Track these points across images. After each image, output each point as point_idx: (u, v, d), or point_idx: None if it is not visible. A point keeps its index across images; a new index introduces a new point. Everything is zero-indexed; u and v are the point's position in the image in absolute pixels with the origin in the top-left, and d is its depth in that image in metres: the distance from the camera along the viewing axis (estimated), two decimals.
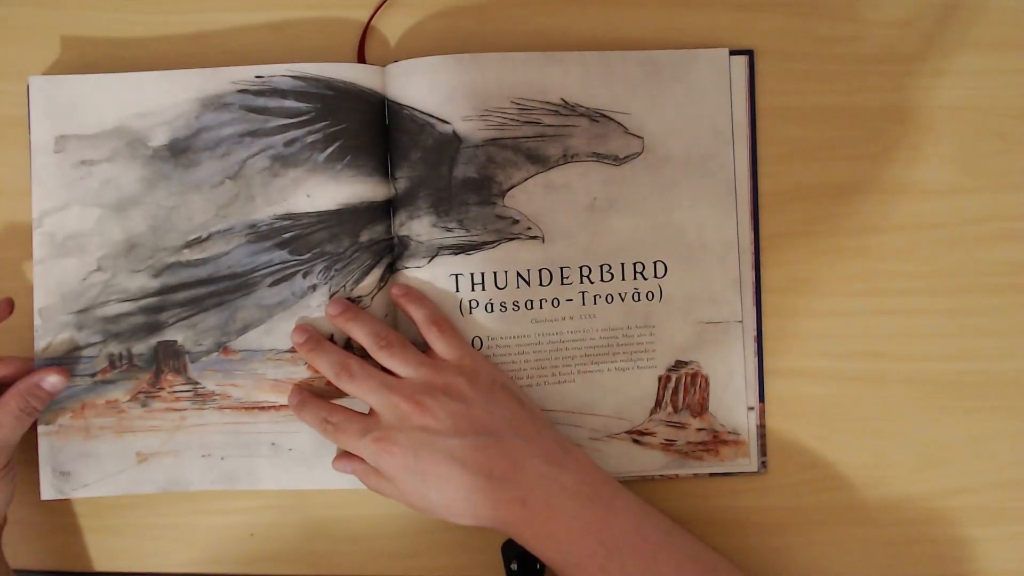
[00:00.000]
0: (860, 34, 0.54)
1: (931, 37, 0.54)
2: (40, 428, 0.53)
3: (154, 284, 0.53)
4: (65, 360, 0.53)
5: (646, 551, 0.47)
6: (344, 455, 0.52)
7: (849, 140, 0.54)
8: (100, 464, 0.53)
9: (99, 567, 0.56)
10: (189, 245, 0.53)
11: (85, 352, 0.53)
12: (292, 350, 0.53)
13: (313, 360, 0.52)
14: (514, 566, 0.54)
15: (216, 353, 0.53)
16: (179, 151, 0.53)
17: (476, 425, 0.48)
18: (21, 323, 0.53)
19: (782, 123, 0.54)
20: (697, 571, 0.47)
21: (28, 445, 0.53)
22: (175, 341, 0.53)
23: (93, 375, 0.53)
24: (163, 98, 0.53)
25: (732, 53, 0.54)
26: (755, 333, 0.54)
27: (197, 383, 0.53)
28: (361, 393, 0.50)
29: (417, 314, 0.52)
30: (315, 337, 0.52)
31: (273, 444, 0.53)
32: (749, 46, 0.54)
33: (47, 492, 0.53)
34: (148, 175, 0.53)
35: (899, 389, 0.54)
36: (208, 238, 0.53)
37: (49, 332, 0.53)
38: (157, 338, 0.53)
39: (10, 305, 0.52)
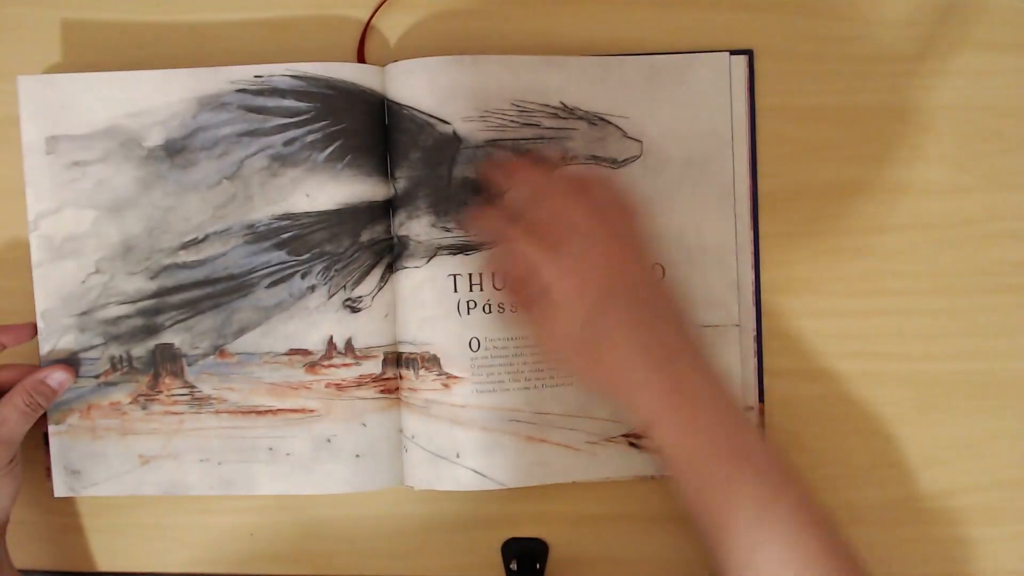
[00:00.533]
0: (860, 34, 0.54)
1: (931, 37, 0.54)
2: (51, 427, 0.53)
3: (151, 286, 0.53)
4: (69, 362, 0.53)
5: (770, 477, 0.45)
6: (501, 167, 0.51)
7: (849, 140, 0.54)
8: (107, 464, 0.54)
9: (99, 567, 0.56)
10: (185, 246, 0.53)
11: (88, 354, 0.53)
12: (289, 352, 0.53)
13: (475, 225, 0.51)
14: (514, 566, 0.54)
15: (213, 356, 0.53)
16: (175, 151, 0.53)
17: (639, 302, 0.47)
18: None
19: (782, 123, 0.54)
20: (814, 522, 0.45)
21: (29, 445, 0.53)
22: (172, 344, 0.53)
23: (97, 377, 0.54)
24: (158, 98, 0.53)
25: (732, 53, 0.53)
26: (755, 333, 0.54)
27: (194, 387, 0.53)
28: (526, 263, 0.48)
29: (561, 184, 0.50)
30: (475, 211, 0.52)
31: (270, 449, 0.53)
32: (749, 46, 0.54)
33: (60, 490, 0.54)
34: (143, 176, 0.53)
35: (899, 389, 0.54)
36: (205, 239, 0.53)
37: (53, 335, 0.53)
38: (155, 341, 0.53)
39: (32, 329, 0.53)
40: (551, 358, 0.52)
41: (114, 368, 0.54)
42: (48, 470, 0.54)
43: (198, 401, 0.53)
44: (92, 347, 0.53)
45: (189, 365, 0.53)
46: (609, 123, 0.53)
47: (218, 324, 0.53)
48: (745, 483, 0.44)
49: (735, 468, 0.45)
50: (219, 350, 0.53)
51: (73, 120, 0.53)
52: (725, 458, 0.45)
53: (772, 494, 0.45)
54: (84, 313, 0.53)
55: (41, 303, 0.53)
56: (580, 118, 0.53)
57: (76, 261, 0.53)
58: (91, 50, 0.55)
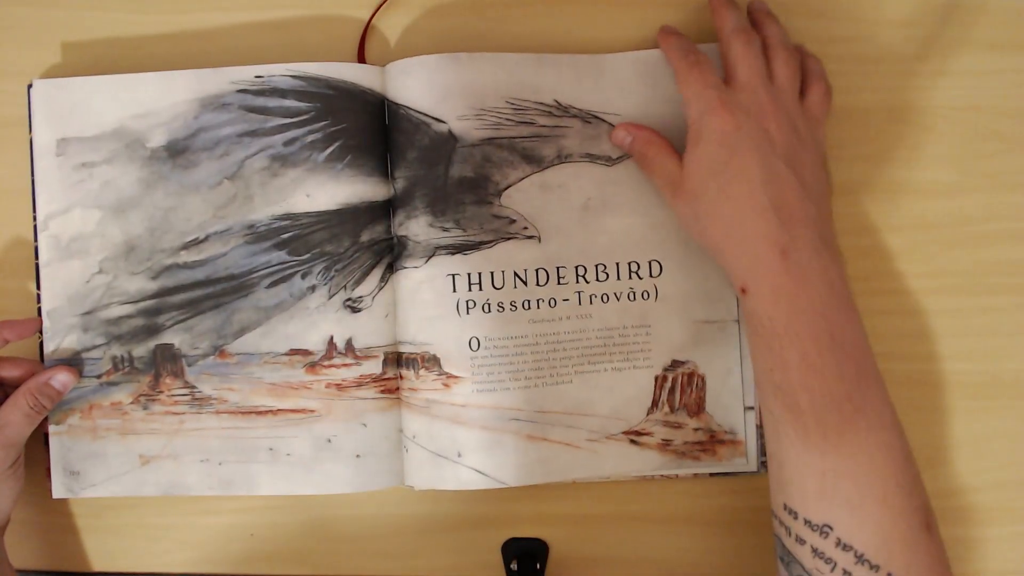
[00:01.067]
0: (860, 34, 0.54)
1: (931, 37, 0.54)
2: (51, 428, 0.54)
3: (152, 286, 0.53)
4: (73, 361, 0.53)
5: (863, 367, 0.45)
6: (630, 125, 0.52)
7: (849, 140, 0.54)
8: (106, 464, 0.54)
9: (99, 567, 0.56)
10: (186, 247, 0.53)
11: (91, 354, 0.53)
12: (289, 353, 0.53)
13: (663, 41, 0.52)
14: (514, 566, 0.54)
15: (213, 356, 0.53)
16: (177, 152, 0.53)
17: (801, 167, 0.47)
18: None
19: None
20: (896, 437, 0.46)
21: (29, 445, 0.53)
22: (172, 344, 0.53)
23: (99, 376, 0.54)
24: (162, 99, 0.53)
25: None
26: (746, 331, 0.54)
27: (194, 387, 0.53)
28: (740, 56, 0.49)
29: (771, 29, 0.51)
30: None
31: (271, 449, 0.53)
32: None
33: (58, 491, 0.54)
34: (146, 176, 0.53)
35: (899, 389, 0.54)
36: (206, 239, 0.53)
37: (58, 334, 0.53)
38: (155, 341, 0.54)
39: (36, 324, 0.53)
40: (676, 186, 0.49)
41: (116, 368, 0.54)
42: (48, 470, 0.54)
43: (198, 401, 0.53)
44: (95, 347, 0.54)
45: (189, 365, 0.53)
46: (603, 121, 0.53)
47: (218, 324, 0.53)
48: (836, 377, 0.44)
49: (829, 357, 0.44)
50: (219, 350, 0.53)
51: (83, 122, 0.53)
52: (817, 339, 0.44)
53: (861, 395, 0.45)
54: (87, 313, 0.53)
55: (48, 302, 0.53)
56: (574, 116, 0.53)
57: (81, 261, 0.53)
58: (92, 51, 0.55)
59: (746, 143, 0.46)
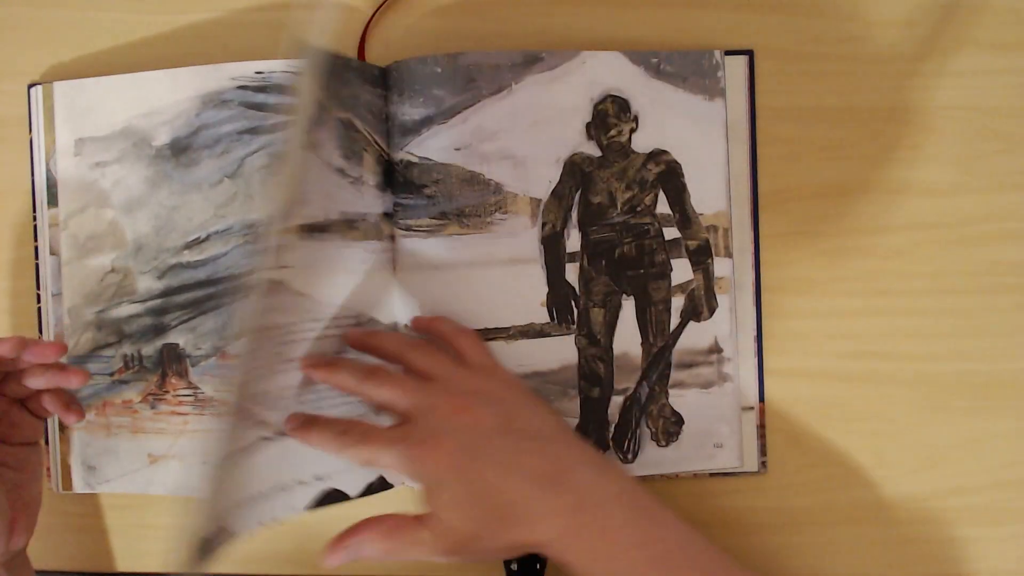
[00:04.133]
0: (860, 34, 0.54)
1: (931, 37, 0.54)
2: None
3: (159, 286, 0.53)
4: (87, 359, 0.54)
5: (695, 569, 0.43)
6: (340, 540, 0.45)
7: (849, 140, 0.54)
8: (119, 461, 0.54)
9: (99, 567, 0.56)
10: (189, 246, 0.53)
11: (104, 352, 0.54)
12: None
13: (331, 379, 0.47)
14: (514, 566, 0.54)
15: (215, 358, 0.53)
16: (180, 150, 0.53)
17: (522, 428, 0.45)
18: (27, 322, 0.54)
19: (782, 123, 0.54)
20: None
21: None
22: (177, 344, 0.53)
23: (111, 374, 0.54)
24: (165, 96, 0.53)
25: (731, 53, 0.53)
26: (755, 333, 0.54)
27: (197, 388, 0.53)
28: (395, 396, 0.46)
29: (445, 326, 0.50)
30: (325, 362, 0.48)
31: None
32: (748, 46, 0.54)
33: (79, 486, 0.54)
34: (152, 175, 0.53)
35: (899, 389, 0.54)
36: (207, 238, 0.53)
37: (76, 331, 0.54)
38: (162, 340, 0.53)
39: (62, 348, 0.48)
40: (452, 546, 0.43)
41: (126, 366, 0.54)
42: (48, 470, 0.54)
43: (201, 403, 0.53)
44: (107, 345, 0.54)
45: (193, 366, 0.53)
46: None
47: (219, 325, 0.53)
48: None
49: None
50: (220, 352, 0.53)
51: (97, 122, 0.53)
52: (648, 568, 0.42)
53: None
54: (101, 311, 0.54)
55: (67, 300, 0.54)
56: None
57: (96, 260, 0.53)
58: (92, 51, 0.55)
59: (466, 454, 0.43)
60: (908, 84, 0.54)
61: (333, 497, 0.52)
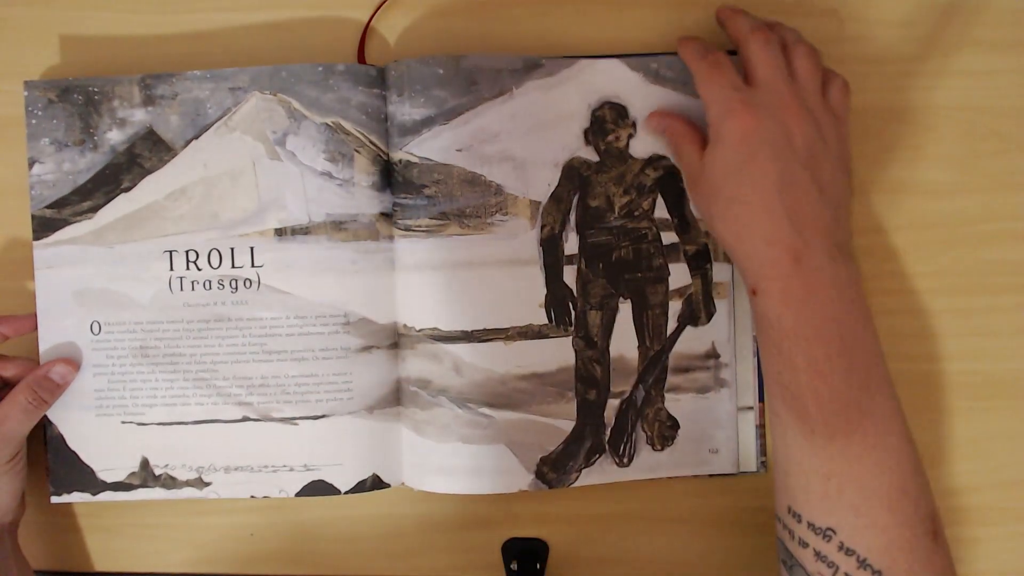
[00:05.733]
0: (860, 34, 0.54)
1: (931, 37, 0.54)
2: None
3: None
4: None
5: (872, 373, 0.45)
6: (663, 114, 0.51)
7: (849, 140, 0.54)
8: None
9: (99, 567, 0.56)
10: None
11: None
12: None
13: (732, 21, 0.50)
14: (514, 566, 0.54)
15: None
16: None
17: (819, 170, 0.46)
18: None
19: None
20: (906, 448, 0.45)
21: (28, 445, 0.53)
22: None
23: None
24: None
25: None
26: (754, 333, 0.54)
27: None
28: (760, 55, 0.47)
29: (786, 29, 0.50)
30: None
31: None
32: None
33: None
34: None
35: (900, 389, 0.54)
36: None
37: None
38: None
39: (33, 320, 0.53)
40: (695, 181, 0.49)
41: None
42: (48, 470, 0.54)
43: None
44: None
45: None
46: None
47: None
48: (843, 382, 0.44)
49: (838, 362, 0.44)
50: None
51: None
52: (826, 344, 0.44)
53: (869, 400, 0.45)
54: None
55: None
56: None
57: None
58: (92, 51, 0.55)
59: (764, 146, 0.45)
60: (908, 84, 0.54)
61: (321, 488, 0.52)
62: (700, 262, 0.53)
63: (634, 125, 0.53)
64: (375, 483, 0.52)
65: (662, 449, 0.53)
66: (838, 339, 0.44)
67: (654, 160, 0.53)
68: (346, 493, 0.52)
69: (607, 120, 0.52)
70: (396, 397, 0.53)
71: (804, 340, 0.44)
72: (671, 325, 0.53)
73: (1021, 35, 0.54)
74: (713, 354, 0.53)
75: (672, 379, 0.53)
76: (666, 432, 0.53)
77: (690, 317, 0.53)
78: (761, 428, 0.54)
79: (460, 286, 0.51)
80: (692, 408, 0.53)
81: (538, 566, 0.54)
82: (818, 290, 0.45)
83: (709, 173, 0.47)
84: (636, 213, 0.53)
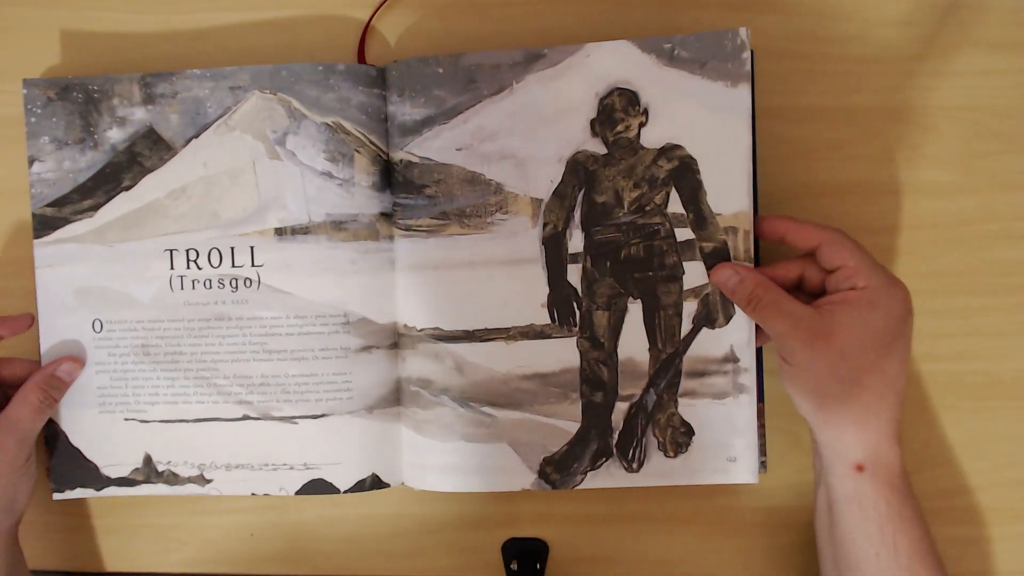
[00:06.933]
0: (860, 34, 0.54)
1: (931, 37, 0.54)
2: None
3: None
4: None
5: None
6: (738, 266, 0.49)
7: (849, 140, 0.54)
8: None
9: (99, 567, 0.56)
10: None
11: None
12: None
13: (795, 230, 0.49)
14: (514, 566, 0.54)
15: None
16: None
17: (885, 368, 0.46)
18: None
19: (782, 123, 0.54)
20: None
21: None
22: None
23: None
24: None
25: None
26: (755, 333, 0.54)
27: None
28: (857, 266, 0.47)
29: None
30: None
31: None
32: (749, 46, 0.54)
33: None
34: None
35: None
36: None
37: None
38: None
39: (29, 320, 0.53)
40: (815, 335, 0.46)
41: None
42: (48, 470, 0.54)
43: None
44: None
45: None
46: None
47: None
48: (934, 564, 0.47)
49: (932, 546, 0.47)
50: None
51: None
52: (923, 527, 0.47)
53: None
54: None
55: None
56: None
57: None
58: (92, 51, 0.55)
59: (910, 328, 0.47)
60: (908, 84, 0.54)
61: (321, 487, 0.52)
62: (718, 260, 0.50)
63: (646, 112, 0.50)
64: (374, 483, 0.52)
65: (675, 456, 0.51)
66: (925, 526, 0.47)
67: (667, 150, 0.50)
68: (345, 492, 0.52)
69: (616, 108, 0.50)
70: (396, 397, 0.53)
71: (906, 523, 0.46)
72: (686, 327, 0.51)
73: (1021, 35, 0.54)
74: (731, 358, 0.51)
75: (687, 383, 0.51)
76: (679, 438, 0.51)
77: (706, 318, 0.51)
78: (762, 428, 0.54)
79: (461, 286, 0.51)
80: (708, 414, 0.51)
81: (538, 566, 0.54)
82: (906, 474, 0.47)
83: (852, 332, 0.46)
84: (648, 208, 0.51)
